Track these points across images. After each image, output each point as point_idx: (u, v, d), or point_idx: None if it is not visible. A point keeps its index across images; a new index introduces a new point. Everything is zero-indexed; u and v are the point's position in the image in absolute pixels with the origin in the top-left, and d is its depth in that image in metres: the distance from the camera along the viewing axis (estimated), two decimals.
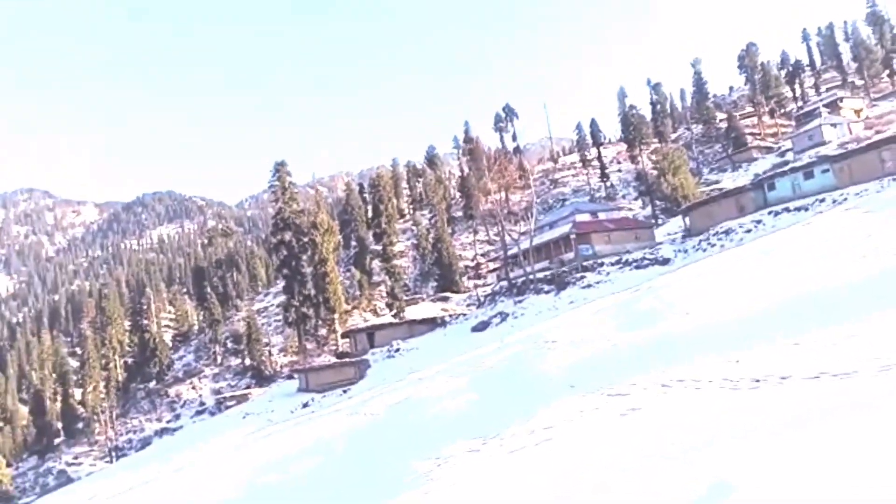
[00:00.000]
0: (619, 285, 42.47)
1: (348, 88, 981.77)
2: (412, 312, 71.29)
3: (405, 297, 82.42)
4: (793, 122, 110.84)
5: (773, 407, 10.36)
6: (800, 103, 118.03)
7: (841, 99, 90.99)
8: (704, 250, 43.74)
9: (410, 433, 21.19)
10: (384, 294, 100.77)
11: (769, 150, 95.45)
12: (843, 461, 6.49)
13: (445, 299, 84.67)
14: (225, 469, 27.24)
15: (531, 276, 50.51)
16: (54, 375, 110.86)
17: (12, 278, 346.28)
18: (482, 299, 59.10)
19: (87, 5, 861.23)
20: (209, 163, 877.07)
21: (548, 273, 51.01)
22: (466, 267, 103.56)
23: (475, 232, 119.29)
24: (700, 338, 18.25)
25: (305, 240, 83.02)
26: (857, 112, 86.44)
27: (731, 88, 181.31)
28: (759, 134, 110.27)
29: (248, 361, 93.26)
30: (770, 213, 42.81)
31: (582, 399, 16.43)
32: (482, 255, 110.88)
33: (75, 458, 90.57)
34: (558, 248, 54.45)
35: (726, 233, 43.73)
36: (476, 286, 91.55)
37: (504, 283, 56.66)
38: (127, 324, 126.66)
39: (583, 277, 46.96)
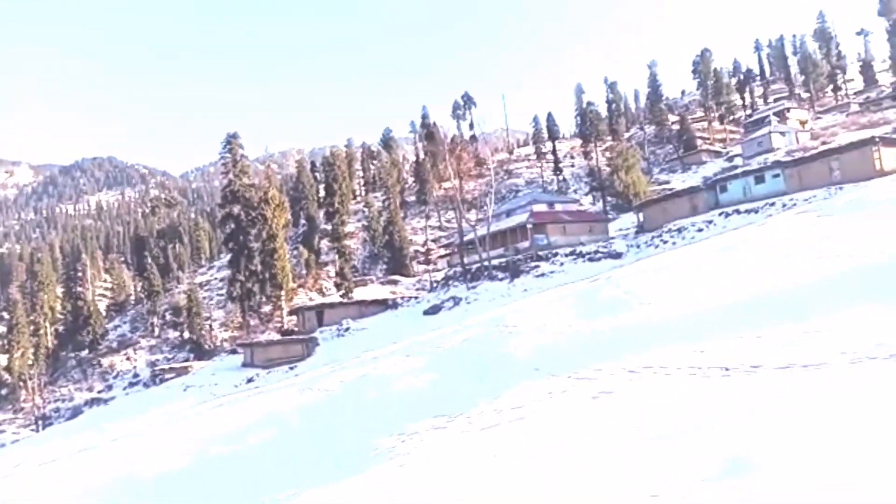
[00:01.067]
0: (573, 276, 43.10)
1: (305, 65, 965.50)
2: (361, 293, 70.83)
3: (354, 278, 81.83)
4: (741, 129, 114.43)
5: (749, 392, 10.58)
6: (749, 111, 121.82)
7: (788, 109, 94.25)
8: (657, 246, 44.75)
9: (369, 410, 20.96)
10: (331, 274, 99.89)
11: (718, 154, 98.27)
12: (842, 439, 6.63)
13: (395, 282, 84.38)
14: (171, 439, 26.41)
15: (486, 263, 50.70)
16: None
17: None
18: (435, 284, 59.05)
19: None
20: (154, 131, 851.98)
21: (502, 261, 51.32)
22: (416, 252, 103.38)
23: (427, 217, 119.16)
24: (663, 328, 18.58)
25: (254, 214, 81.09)
26: (803, 123, 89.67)
27: (682, 92, 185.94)
28: (709, 138, 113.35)
29: (187, 335, 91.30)
30: (721, 213, 44.11)
31: (548, 382, 16.51)
32: (433, 240, 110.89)
33: None
34: (514, 236, 54.79)
35: (679, 231, 44.84)
36: (426, 271, 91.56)
37: (458, 269, 56.71)
38: (60, 290, 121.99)
39: (537, 266, 47.43)
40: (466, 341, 25.40)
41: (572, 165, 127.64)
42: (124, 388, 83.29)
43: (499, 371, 19.86)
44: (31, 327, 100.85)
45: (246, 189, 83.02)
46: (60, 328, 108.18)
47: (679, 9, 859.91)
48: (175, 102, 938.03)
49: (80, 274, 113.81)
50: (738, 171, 52.34)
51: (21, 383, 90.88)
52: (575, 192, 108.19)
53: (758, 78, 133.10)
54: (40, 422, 76.76)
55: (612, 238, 53.02)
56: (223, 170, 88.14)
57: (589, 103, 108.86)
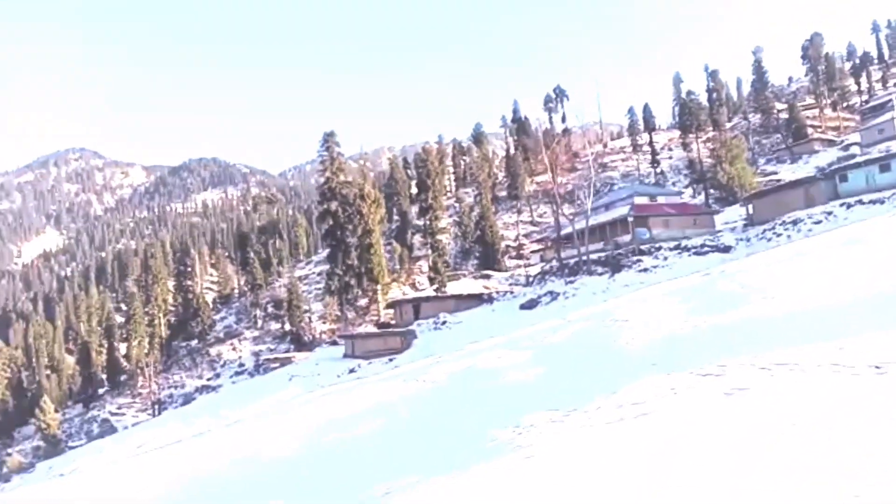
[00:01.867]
0: (678, 270, 41.55)
1: (396, 63, 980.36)
2: (454, 288, 71.11)
3: (447, 273, 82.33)
4: (856, 116, 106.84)
5: None
6: (865, 97, 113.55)
7: None
8: (769, 240, 42.41)
9: (478, 402, 20.92)
10: (424, 269, 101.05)
11: (831, 143, 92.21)
12: None
13: (487, 277, 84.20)
14: (284, 426, 27.38)
15: (584, 257, 49.69)
16: (101, 329, 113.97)
17: (62, 234, 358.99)
18: (530, 278, 58.47)
19: None
20: (255, 132, 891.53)
21: (602, 255, 50.13)
22: (508, 247, 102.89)
23: (519, 212, 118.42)
24: (789, 323, 17.45)
25: (351, 210, 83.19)
26: None
27: (790, 79, 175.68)
28: (821, 126, 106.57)
29: (287, 326, 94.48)
30: (842, 204, 41.24)
31: (669, 378, 15.86)
32: (525, 235, 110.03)
33: (118, 408, 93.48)
34: (614, 230, 53.41)
35: (794, 223, 42.31)
36: (517, 266, 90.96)
37: (555, 263, 55.90)
38: (171, 284, 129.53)
39: (639, 261, 46.04)
40: (573, 335, 24.92)
41: (670, 157, 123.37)
42: (231, 377, 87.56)
43: (611, 366, 19.32)
44: (147, 318, 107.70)
45: (343, 186, 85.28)
46: (172, 319, 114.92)
47: None
48: (273, 103, 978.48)
49: (189, 268, 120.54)
50: (859, 159, 48.72)
51: (138, 370, 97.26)
52: (673, 184, 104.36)
53: (875, 61, 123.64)
54: (156, 406, 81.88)
55: (719, 231, 50.70)
56: (321, 168, 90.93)
57: (689, 92, 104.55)
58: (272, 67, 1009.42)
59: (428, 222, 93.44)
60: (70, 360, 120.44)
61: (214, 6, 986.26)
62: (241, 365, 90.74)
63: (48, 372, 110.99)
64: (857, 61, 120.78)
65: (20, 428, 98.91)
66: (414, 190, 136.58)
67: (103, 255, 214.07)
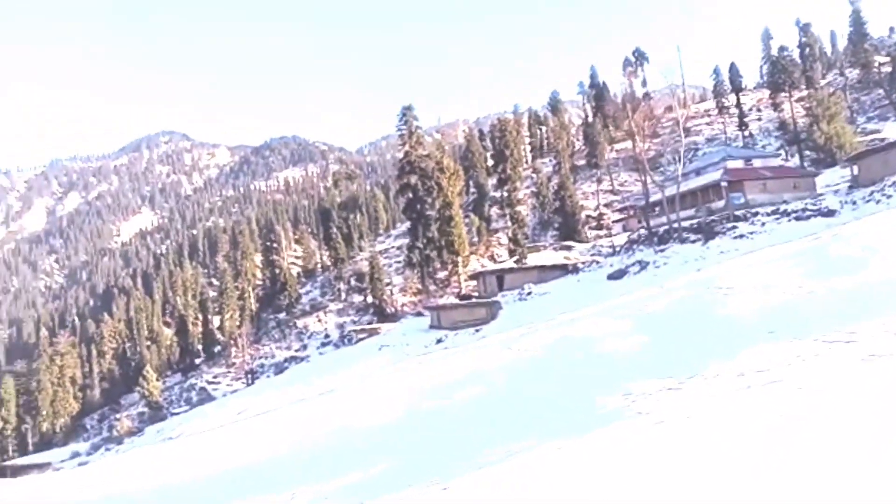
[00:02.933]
0: (778, 237, 39.63)
1: (467, 33, 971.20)
2: (534, 259, 70.47)
3: (526, 245, 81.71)
4: None
5: None
6: None
7: None
8: (878, 202, 39.82)
9: (578, 370, 20.65)
10: (502, 241, 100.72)
11: None
12: None
13: (568, 248, 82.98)
14: (380, 394, 27.99)
15: (675, 225, 48.13)
16: (195, 303, 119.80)
17: (156, 213, 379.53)
18: (613, 248, 57.26)
19: None
20: (332, 110, 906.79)
21: (693, 222, 48.41)
22: (588, 217, 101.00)
23: (599, 181, 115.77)
24: None
25: (430, 183, 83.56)
26: None
27: (891, 30, 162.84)
28: None
29: (370, 299, 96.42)
30: None
31: (791, 344, 15.13)
32: (605, 205, 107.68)
33: (214, 377, 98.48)
34: (706, 195, 51.41)
35: None
36: (597, 237, 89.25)
37: (642, 231, 54.45)
38: (258, 259, 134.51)
39: (734, 227, 44.21)
40: (674, 303, 24.17)
41: (759, 119, 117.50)
42: (317, 347, 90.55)
43: (721, 334, 18.62)
44: (237, 292, 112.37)
45: (421, 159, 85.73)
46: (261, 293, 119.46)
47: None
48: (349, 80, 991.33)
49: (275, 244, 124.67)
50: None
51: (231, 341, 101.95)
52: (763, 147, 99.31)
53: None
54: (249, 376, 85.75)
55: (821, 195, 47.92)
56: (399, 142, 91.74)
57: (781, 48, 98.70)
58: (346, 45, 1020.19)
59: (506, 193, 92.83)
60: (168, 332, 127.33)
61: None
62: (327, 336, 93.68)
63: (148, 343, 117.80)
64: None
65: (126, 395, 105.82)
66: (490, 162, 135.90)
67: (194, 232, 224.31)
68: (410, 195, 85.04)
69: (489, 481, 10.87)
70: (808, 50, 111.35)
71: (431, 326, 54.01)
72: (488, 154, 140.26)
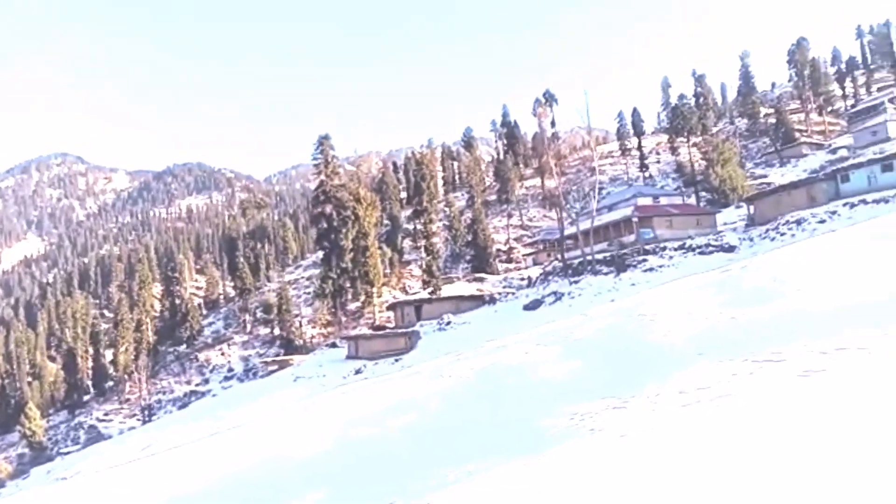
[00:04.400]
0: (685, 270, 41.73)
1: (380, 68, 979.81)
2: (448, 290, 70.86)
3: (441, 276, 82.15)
4: (841, 121, 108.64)
5: None
6: (850, 101, 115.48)
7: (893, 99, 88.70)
8: (773, 239, 42.81)
9: (514, 395, 20.77)
10: (414, 273, 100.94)
11: (819, 146, 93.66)
12: None
13: (481, 280, 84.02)
14: (305, 423, 27.00)
15: (589, 258, 49.82)
16: (86, 335, 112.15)
17: (43, 240, 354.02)
18: (533, 279, 58.50)
19: None
20: (240, 138, 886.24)
21: (606, 255, 50.29)
22: (498, 250, 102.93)
23: (509, 216, 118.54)
24: (838, 315, 17.43)
25: (346, 213, 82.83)
26: None
27: (773, 84, 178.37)
28: (807, 131, 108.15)
29: (277, 331, 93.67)
30: (845, 204, 41.77)
31: (723, 364, 15.86)
32: (515, 239, 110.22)
33: (105, 414, 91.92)
34: (618, 230, 53.68)
35: (797, 223, 42.75)
36: (508, 270, 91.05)
37: (557, 263, 55.98)
38: (157, 289, 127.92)
39: (644, 260, 46.22)
40: (601, 330, 24.86)
41: (658, 162, 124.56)
42: (220, 382, 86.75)
43: (652, 357, 19.29)
44: (134, 324, 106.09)
45: (337, 189, 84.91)
46: (159, 325, 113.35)
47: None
48: (258, 109, 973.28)
49: (176, 274, 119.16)
50: (861, 159, 49.35)
51: (126, 376, 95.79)
52: (662, 188, 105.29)
53: (860, 67, 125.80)
54: (146, 412, 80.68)
55: (721, 232, 51.15)
56: (314, 171, 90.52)
57: (681, 96, 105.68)
58: (256, 73, 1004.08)
59: (422, 225, 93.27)
60: (52, 366, 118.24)
61: (199, 14, 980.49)
62: (231, 370, 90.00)
63: (30, 379, 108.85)
64: (843, 66, 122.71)
65: (3, 435, 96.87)
66: (403, 194, 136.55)
67: (86, 260, 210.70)
68: (325, 225, 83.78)
69: (463, 498, 10.61)
70: (702, 99, 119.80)
71: (349, 357, 52.91)
72: (401, 186, 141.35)
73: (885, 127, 66.30)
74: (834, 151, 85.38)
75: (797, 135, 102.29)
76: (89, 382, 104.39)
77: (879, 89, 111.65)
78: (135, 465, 31.44)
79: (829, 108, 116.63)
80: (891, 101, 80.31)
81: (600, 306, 33.21)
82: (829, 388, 10.98)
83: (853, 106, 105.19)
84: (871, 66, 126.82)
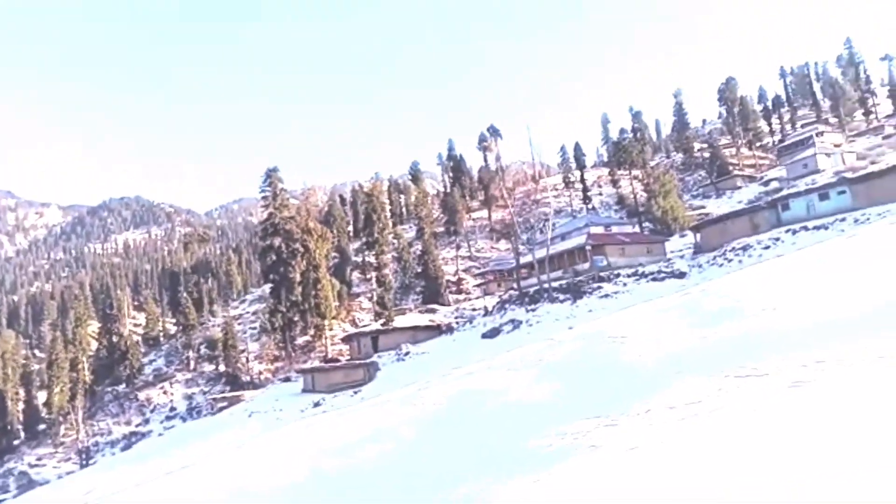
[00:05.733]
0: (639, 296, 42.93)
1: (327, 100, 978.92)
2: (400, 321, 70.71)
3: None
4: (770, 155, 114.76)
5: None
6: (776, 137, 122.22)
7: (821, 133, 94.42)
8: (721, 265, 44.61)
9: (495, 419, 20.79)
10: (364, 305, 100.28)
11: (752, 178, 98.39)
12: None
13: (433, 311, 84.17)
14: (272, 456, 26.23)
15: (545, 286, 50.64)
16: (16, 376, 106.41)
17: None
18: (489, 308, 58.94)
19: (54, 4, 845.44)
20: (178, 171, 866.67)
21: (562, 283, 51.25)
22: (448, 281, 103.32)
23: (457, 247, 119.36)
24: (807, 332, 18.22)
25: (295, 245, 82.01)
26: (836, 146, 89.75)
27: (703, 121, 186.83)
28: (738, 164, 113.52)
29: (222, 367, 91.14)
30: (787, 231, 43.98)
31: (705, 380, 16.33)
32: (464, 270, 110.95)
33: (38, 459, 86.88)
34: (572, 258, 54.84)
35: (744, 249, 44.71)
36: (459, 301, 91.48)
37: (513, 292, 56.63)
38: (93, 327, 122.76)
39: (599, 287, 47.34)
40: (573, 353, 25.26)
41: (600, 194, 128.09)
42: (161, 422, 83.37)
43: (630, 377, 19.71)
44: (69, 363, 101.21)
45: (286, 221, 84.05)
46: (95, 364, 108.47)
47: (695, 39, 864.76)
48: (198, 143, 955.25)
49: (114, 311, 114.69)
50: (799, 189, 52.12)
51: (60, 418, 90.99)
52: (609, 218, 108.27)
53: (785, 105, 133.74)
54: (83, 455, 76.68)
55: (670, 259, 52.93)
56: (263, 203, 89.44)
57: (622, 130, 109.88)
58: (196, 108, 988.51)
59: (374, 257, 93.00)
60: None
61: (134, 45, 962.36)
62: (173, 409, 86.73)
63: None
64: (769, 104, 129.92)
65: None
66: (350, 228, 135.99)
67: (15, 298, 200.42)
68: (274, 257, 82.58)
69: None
70: (639, 134, 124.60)
71: (305, 390, 51.83)
72: (349, 219, 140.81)
73: (815, 159, 70.42)
74: (766, 183, 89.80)
75: (730, 168, 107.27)
76: (20, 426, 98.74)
77: (803, 126, 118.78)
78: None
79: (759, 143, 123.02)
80: (818, 135, 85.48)
81: (566, 331, 33.73)
82: (822, 397, 11.49)
83: (781, 140, 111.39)
84: (794, 105, 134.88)
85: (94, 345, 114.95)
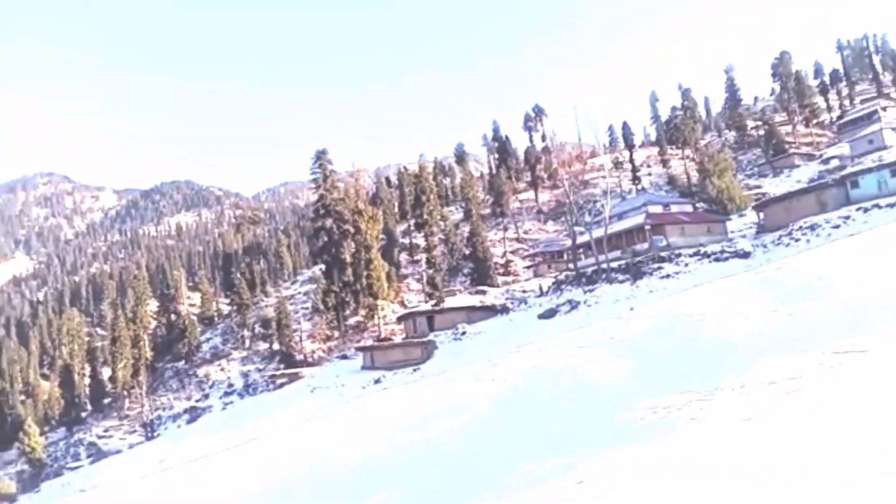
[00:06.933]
0: (702, 276, 42.27)
1: (369, 84, 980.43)
2: (450, 303, 71.16)
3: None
4: (827, 132, 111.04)
5: None
6: (835, 113, 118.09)
7: (884, 108, 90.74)
8: (787, 245, 43.61)
9: (573, 395, 20.96)
10: (410, 287, 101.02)
11: (810, 157, 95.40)
12: None
13: (483, 293, 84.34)
14: (341, 431, 26.94)
15: (603, 266, 50.34)
16: (82, 352, 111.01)
17: (32, 259, 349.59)
18: (544, 288, 58.90)
19: None
20: (226, 155, 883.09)
21: (621, 263, 50.85)
22: (496, 263, 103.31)
23: (504, 229, 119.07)
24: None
25: (346, 227, 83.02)
26: None
27: (755, 98, 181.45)
28: (795, 142, 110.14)
29: (276, 346, 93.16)
30: (858, 209, 42.72)
31: (801, 357, 16.20)
32: (511, 252, 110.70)
33: (105, 430, 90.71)
34: (630, 238, 54.29)
35: (811, 228, 43.60)
36: (506, 282, 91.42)
37: (570, 273, 56.48)
38: (152, 306, 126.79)
39: (660, 268, 46.79)
40: (647, 331, 25.20)
41: (649, 174, 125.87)
42: (220, 397, 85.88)
43: (714, 354, 19.62)
44: (131, 340, 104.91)
45: (337, 203, 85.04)
46: (155, 341, 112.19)
47: (748, 12, 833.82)
48: (246, 127, 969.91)
49: (173, 290, 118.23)
50: (870, 165, 50.41)
51: (125, 392, 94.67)
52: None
53: (843, 79, 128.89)
54: (148, 428, 79.72)
55: (732, 239, 51.97)
56: (313, 185, 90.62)
57: (673, 108, 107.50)
58: (241, 90, 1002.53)
59: (423, 238, 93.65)
60: (45, 384, 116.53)
61: (185, 31, 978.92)
62: (231, 385, 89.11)
63: (23, 397, 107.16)
64: (827, 78, 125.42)
65: (1, 453, 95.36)
66: (395, 210, 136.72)
67: (76, 279, 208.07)
68: (325, 238, 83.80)
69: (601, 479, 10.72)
70: (689, 112, 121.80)
71: (364, 367, 52.85)
72: (395, 202, 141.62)
73: (881, 135, 67.93)
74: (826, 161, 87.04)
75: (787, 146, 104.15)
76: (86, 399, 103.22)
77: (862, 101, 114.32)
78: (163, 476, 31.11)
79: (815, 120, 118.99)
80: (882, 110, 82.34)
81: (634, 310, 33.56)
82: None
83: (840, 117, 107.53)
84: (852, 79, 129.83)
85: (153, 323, 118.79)
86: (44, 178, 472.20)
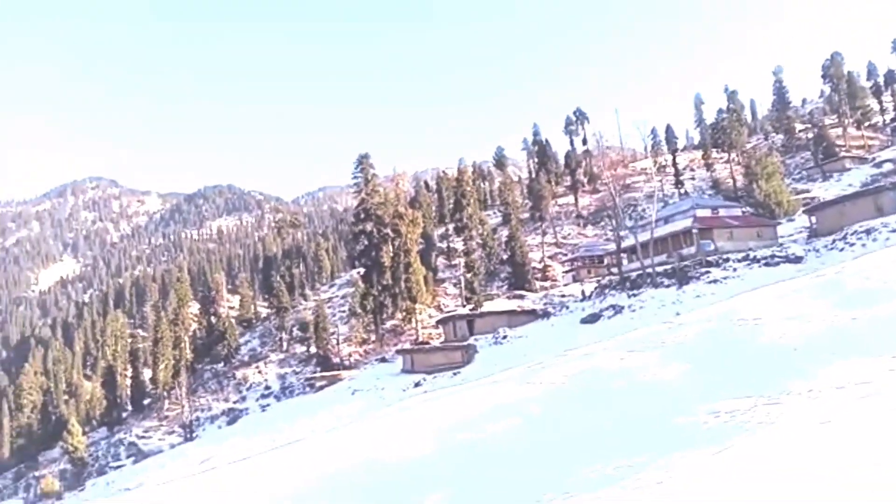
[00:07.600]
0: (752, 282, 41.06)
1: (404, 92, 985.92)
2: (489, 307, 70.57)
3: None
4: (880, 135, 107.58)
5: None
6: (889, 115, 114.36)
7: None
8: (841, 249, 42.15)
9: (626, 398, 20.39)
10: (448, 291, 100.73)
11: (863, 160, 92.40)
12: None
13: (521, 297, 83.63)
14: (389, 431, 26.72)
15: (648, 270, 49.30)
16: (124, 353, 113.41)
17: (79, 261, 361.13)
18: (587, 293, 58.03)
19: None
20: (268, 161, 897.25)
21: (666, 268, 49.73)
22: (534, 268, 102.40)
23: (543, 234, 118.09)
24: None
25: (386, 231, 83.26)
26: None
27: (803, 100, 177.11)
28: (846, 145, 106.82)
29: (313, 349, 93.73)
30: None
31: (869, 361, 15.41)
32: (549, 257, 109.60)
33: (145, 431, 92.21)
34: (676, 242, 53.11)
35: (867, 232, 42.04)
36: (544, 287, 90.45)
37: (613, 277, 55.53)
38: (193, 309, 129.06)
39: (707, 272, 45.63)
40: (700, 335, 24.47)
41: (692, 178, 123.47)
42: (257, 399, 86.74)
43: (778, 357, 18.87)
44: (172, 342, 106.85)
45: (377, 207, 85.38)
46: (195, 343, 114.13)
47: (797, 14, 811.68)
48: (286, 134, 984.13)
49: (213, 292, 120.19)
50: None
51: (165, 393, 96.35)
52: None
53: None
54: (187, 429, 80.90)
55: (783, 243, 50.40)
56: (355, 189, 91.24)
57: (720, 110, 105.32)
58: (281, 97, 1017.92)
59: (461, 243, 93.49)
60: (87, 385, 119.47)
61: (226, 38, 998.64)
62: (268, 387, 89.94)
63: (66, 397, 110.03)
64: (881, 80, 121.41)
65: (44, 452, 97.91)
66: (436, 214, 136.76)
67: (121, 281, 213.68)
68: (366, 242, 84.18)
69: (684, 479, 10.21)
70: (735, 114, 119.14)
71: (403, 370, 52.74)
72: (433, 206, 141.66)
73: None
74: (879, 165, 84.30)
75: (837, 149, 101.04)
76: (128, 400, 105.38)
77: None
78: (210, 475, 31.29)
79: (867, 122, 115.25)
80: None
81: (684, 315, 32.68)
82: None
83: (894, 119, 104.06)
84: None
85: (193, 325, 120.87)
86: (93, 183, 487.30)
